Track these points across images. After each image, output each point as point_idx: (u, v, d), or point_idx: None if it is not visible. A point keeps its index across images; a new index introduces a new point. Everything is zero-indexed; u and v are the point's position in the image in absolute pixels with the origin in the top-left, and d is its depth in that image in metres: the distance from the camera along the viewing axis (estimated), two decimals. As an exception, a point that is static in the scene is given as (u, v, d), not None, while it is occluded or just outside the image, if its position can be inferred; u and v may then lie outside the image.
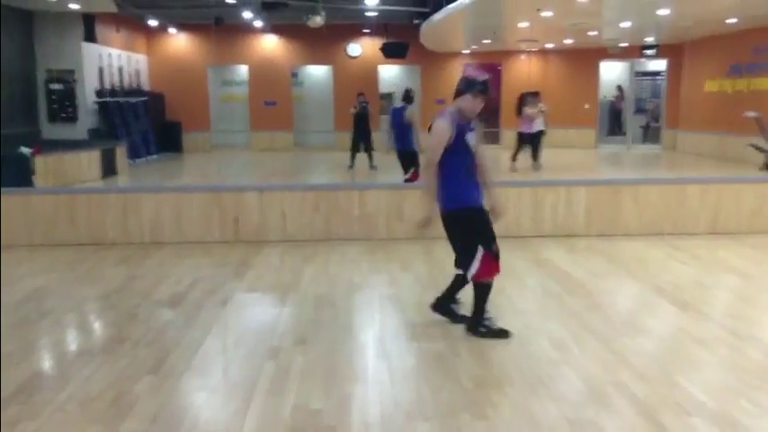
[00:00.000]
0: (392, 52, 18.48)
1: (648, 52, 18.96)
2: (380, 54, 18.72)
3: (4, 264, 6.51)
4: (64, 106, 15.19)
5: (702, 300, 5.21)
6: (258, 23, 18.43)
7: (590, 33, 15.76)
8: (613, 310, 5.03)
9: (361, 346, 4.33)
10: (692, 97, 18.29)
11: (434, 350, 4.13)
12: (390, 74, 20.82)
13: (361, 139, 14.17)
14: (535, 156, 13.75)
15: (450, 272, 5.97)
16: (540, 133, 13.74)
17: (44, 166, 11.48)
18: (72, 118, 15.30)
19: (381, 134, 14.63)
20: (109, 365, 3.95)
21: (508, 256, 6.56)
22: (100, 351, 4.23)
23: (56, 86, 15.14)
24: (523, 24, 14.29)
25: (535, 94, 14.03)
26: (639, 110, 20.57)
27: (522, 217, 7.35)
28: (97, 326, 4.91)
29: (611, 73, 20.43)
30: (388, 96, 20.83)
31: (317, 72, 20.82)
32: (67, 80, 15.20)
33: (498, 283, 5.60)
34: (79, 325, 4.96)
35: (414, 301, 5.09)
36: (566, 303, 5.07)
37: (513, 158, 13.70)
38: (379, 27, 19.06)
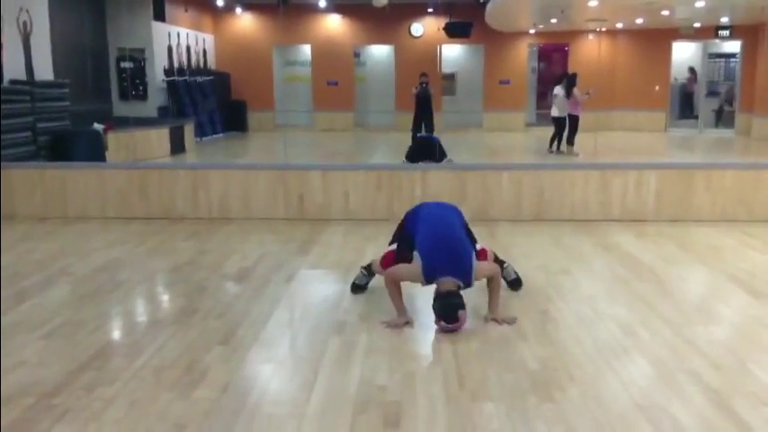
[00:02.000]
0: (456, 32, 18.25)
1: (722, 33, 18.24)
2: (443, 34, 18.54)
3: (78, 234, 6.77)
4: (134, 84, 15.57)
5: (779, 289, 5.03)
6: (322, 3, 18.49)
7: (662, 12, 15.25)
8: (684, 296, 4.91)
9: (424, 324, 4.33)
10: (768, 80, 17.55)
11: (499, 331, 4.10)
12: (453, 54, 20.62)
13: (423, 120, 14.10)
14: (568, 140, 13.54)
15: (514, 254, 5.95)
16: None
17: (116, 142, 11.84)
18: (142, 96, 15.67)
19: (443, 115, 14.55)
20: (181, 335, 4.06)
21: (574, 239, 6.49)
22: (171, 321, 4.36)
23: (126, 65, 15.51)
24: (593, 2, 13.92)
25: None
26: (712, 93, 19.84)
27: (589, 200, 7.22)
28: (168, 297, 5.05)
29: (683, 54, 19.74)
30: (450, 77, 20.67)
31: (379, 52, 20.78)
32: (138, 59, 15.56)
33: (565, 266, 5.56)
34: (151, 296, 5.12)
35: (476, 282, 5.05)
36: (635, 289, 4.96)
37: (570, 142, 13.49)
38: (444, 6, 18.85)
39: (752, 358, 3.71)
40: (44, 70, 10.71)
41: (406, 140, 14.22)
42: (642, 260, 5.73)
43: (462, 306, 4.02)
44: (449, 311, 4.00)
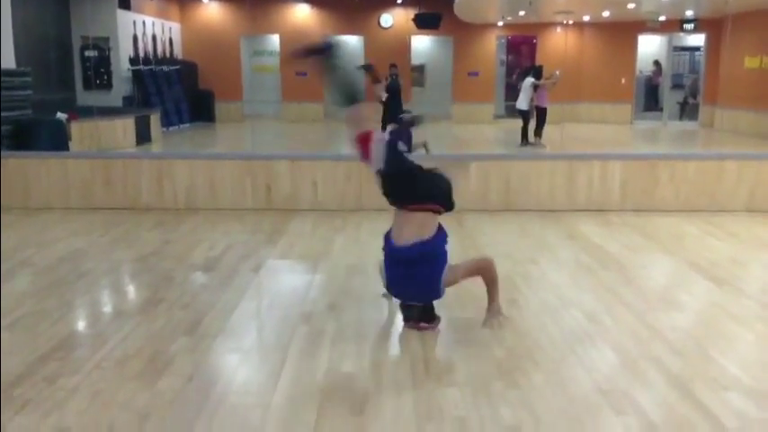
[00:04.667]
0: (425, 23, 18.27)
1: (687, 26, 18.52)
2: (412, 25, 18.53)
3: (41, 225, 6.65)
4: (99, 73, 15.30)
5: (738, 276, 5.12)
6: (291, -8, 18.38)
7: (629, 6, 15.42)
8: (647, 284, 4.98)
9: (391, 313, 4.33)
10: (731, 73, 17.84)
11: (465, 319, 4.12)
12: (422, 45, 20.63)
13: (393, 112, 14.06)
14: (535, 131, 13.76)
15: (481, 243, 6.00)
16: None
17: (80, 131, 11.63)
18: (107, 85, 15.42)
19: (412, 106, 14.57)
20: (145, 326, 4.02)
21: (540, 229, 6.55)
22: (136, 312, 4.31)
23: (91, 54, 15.24)
24: (560, -5, 14.05)
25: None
26: (677, 85, 20.14)
27: (555, 191, 7.28)
28: (133, 287, 4.99)
29: (649, 47, 20.01)
30: (419, 68, 20.67)
31: (348, 43, 20.68)
32: (102, 48, 15.30)
33: (531, 255, 5.62)
34: (116, 286, 5.05)
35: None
36: (599, 277, 5.03)
37: (537, 134, 13.65)
38: (413, -3, 18.85)
39: (713, 344, 3.78)
40: (6, 58, 10.48)
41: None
42: (607, 249, 5.81)
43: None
44: (429, 314, 3.96)
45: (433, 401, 3.10)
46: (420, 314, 3.95)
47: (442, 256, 3.82)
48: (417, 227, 3.81)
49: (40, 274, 5.06)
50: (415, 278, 3.80)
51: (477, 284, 4.25)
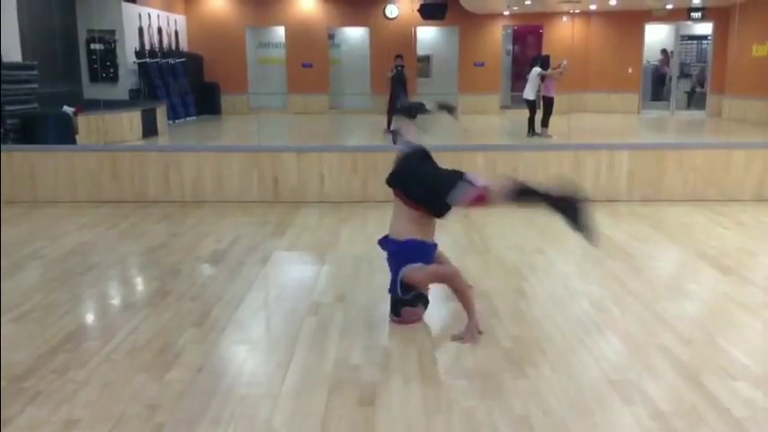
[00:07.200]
0: (430, 13, 18.18)
1: (694, 15, 18.40)
2: (418, 15, 18.47)
3: (49, 218, 6.67)
4: (105, 66, 15.30)
5: (746, 265, 5.11)
6: (296, -16, 18.33)
7: (635, -6, 15.35)
8: (655, 273, 4.97)
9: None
10: (738, 62, 17.71)
11: (473, 310, 4.12)
12: (428, 36, 20.56)
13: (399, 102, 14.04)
14: (542, 122, 13.69)
15: (488, 234, 5.99)
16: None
17: (86, 125, 11.65)
18: (113, 78, 15.42)
19: (418, 98, 14.52)
20: (154, 318, 4.03)
21: (548, 219, 6.50)
22: (145, 304, 4.33)
23: (96, 47, 15.24)
24: (566, -16, 13.96)
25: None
26: (684, 74, 20.03)
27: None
28: (141, 280, 5.01)
29: (656, 36, 19.89)
30: (425, 59, 20.61)
31: (354, 34, 20.64)
32: (108, 40, 15.29)
33: (538, 245, 5.61)
34: (124, 278, 5.08)
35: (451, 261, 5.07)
36: (606, 266, 5.02)
37: (544, 124, 13.58)
38: (418, -13, 18.78)
39: (721, 333, 3.78)
40: (12, 52, 10.49)
41: (382, 123, 14.18)
42: (614, 239, 5.79)
43: (411, 303, 3.91)
44: (395, 306, 3.93)
45: (442, 392, 3.11)
46: (391, 304, 3.97)
47: (409, 257, 3.84)
48: (408, 223, 3.89)
49: (49, 267, 5.09)
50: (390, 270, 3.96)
51: (482, 277, 4.27)
